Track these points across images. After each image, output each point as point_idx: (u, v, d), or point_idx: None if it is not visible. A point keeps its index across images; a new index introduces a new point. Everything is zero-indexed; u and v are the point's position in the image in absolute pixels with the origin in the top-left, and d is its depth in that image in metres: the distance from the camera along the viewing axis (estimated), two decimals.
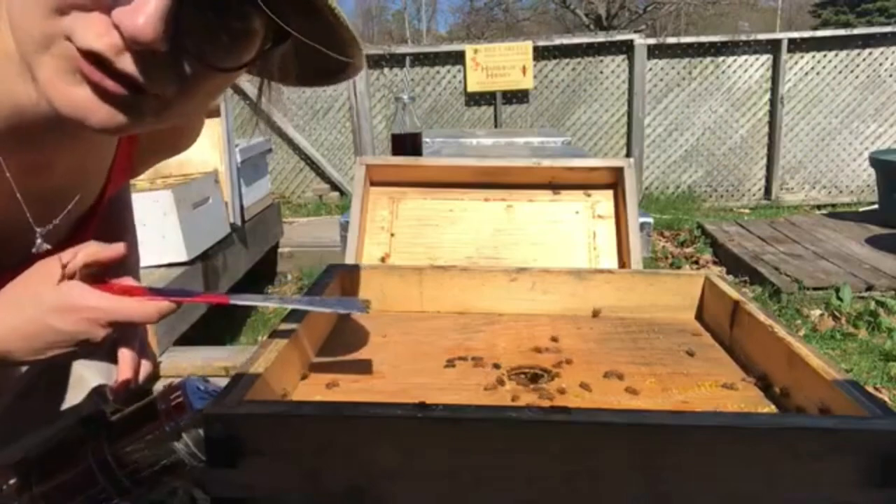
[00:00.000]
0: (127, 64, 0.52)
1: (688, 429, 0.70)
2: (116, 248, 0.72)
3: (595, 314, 1.23)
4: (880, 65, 5.69)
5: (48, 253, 0.72)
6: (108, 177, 0.81)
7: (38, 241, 0.73)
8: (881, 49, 5.66)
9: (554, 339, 1.11)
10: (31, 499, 0.77)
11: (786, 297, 3.22)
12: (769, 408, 0.90)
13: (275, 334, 0.95)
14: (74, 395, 0.88)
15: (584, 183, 1.54)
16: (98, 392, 0.82)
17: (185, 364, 2.10)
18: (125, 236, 0.95)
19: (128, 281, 0.74)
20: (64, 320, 0.66)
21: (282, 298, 0.83)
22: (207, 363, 2.11)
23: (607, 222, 1.51)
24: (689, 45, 5.83)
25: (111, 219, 0.90)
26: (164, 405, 0.79)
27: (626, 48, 5.80)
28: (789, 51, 5.67)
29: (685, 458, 0.69)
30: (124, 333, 0.76)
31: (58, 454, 0.79)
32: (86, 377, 0.87)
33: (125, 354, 0.79)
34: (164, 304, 0.69)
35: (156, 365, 0.87)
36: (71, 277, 0.68)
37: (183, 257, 2.35)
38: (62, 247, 0.74)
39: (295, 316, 1.02)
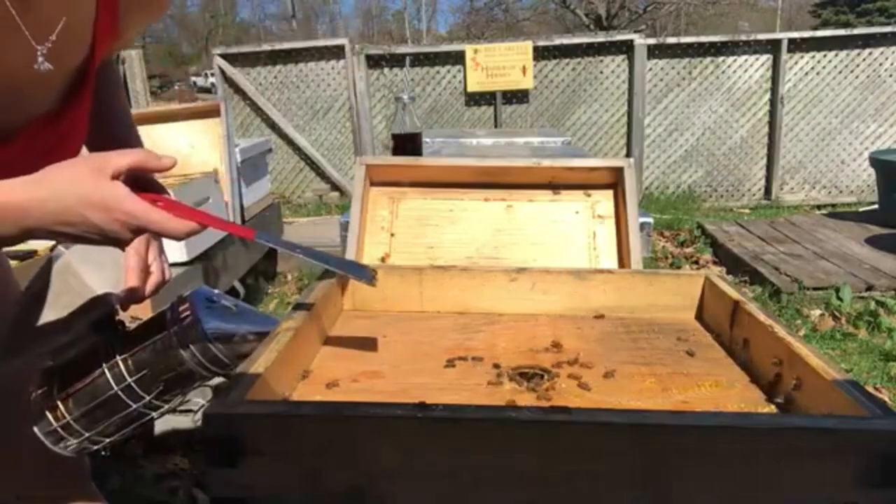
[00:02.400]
0: None
1: (688, 429, 0.70)
2: (165, 161, 0.73)
3: (598, 317, 1.23)
4: (880, 65, 5.69)
5: (47, 77, 0.72)
6: (95, 34, 0.81)
7: (40, 59, 0.73)
8: (881, 49, 5.66)
9: (554, 339, 1.11)
10: (55, 406, 0.80)
11: (786, 297, 3.22)
12: (769, 408, 0.90)
13: (275, 334, 0.95)
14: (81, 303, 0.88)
15: (584, 183, 1.54)
16: (104, 300, 0.83)
17: None
18: (130, 133, 1.00)
19: (162, 194, 0.76)
20: (100, 216, 0.67)
21: (302, 249, 0.83)
22: None
23: (607, 222, 1.51)
24: (689, 45, 5.83)
25: (109, 101, 0.93)
26: (172, 315, 0.82)
27: (626, 48, 5.80)
28: (789, 51, 5.67)
29: (685, 457, 0.69)
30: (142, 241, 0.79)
31: (74, 364, 0.82)
32: (92, 285, 0.88)
33: (133, 263, 0.82)
34: (193, 225, 0.71)
35: (166, 279, 0.88)
36: (116, 178, 0.69)
37: (183, 257, 2.35)
38: (62, 113, 0.75)
39: (295, 316, 1.02)
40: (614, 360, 1.03)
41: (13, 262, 0.95)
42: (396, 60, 6.00)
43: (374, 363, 1.03)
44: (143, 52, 5.92)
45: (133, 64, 5.47)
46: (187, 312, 0.82)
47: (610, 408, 0.87)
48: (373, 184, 1.55)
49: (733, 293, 1.12)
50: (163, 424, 2.02)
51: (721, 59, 5.80)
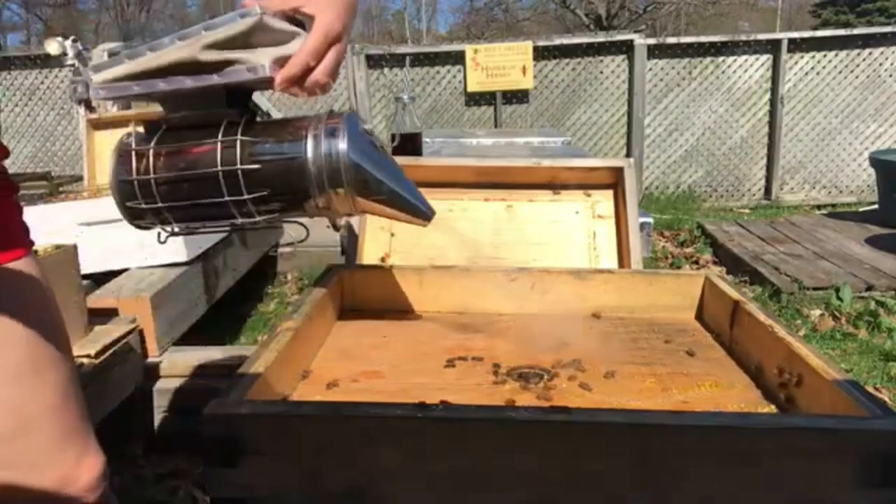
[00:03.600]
0: None
1: (688, 429, 0.70)
2: None
3: (596, 316, 1.23)
4: (880, 65, 5.69)
5: None
6: None
7: None
8: (881, 49, 5.66)
9: (554, 339, 1.11)
10: (143, 155, 0.71)
11: (786, 297, 3.21)
12: (769, 408, 0.90)
13: (275, 334, 0.95)
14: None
15: (584, 183, 1.54)
16: (251, 67, 0.69)
17: (185, 364, 2.10)
18: None
19: None
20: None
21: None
22: (207, 363, 2.11)
23: (607, 222, 1.51)
24: (689, 45, 5.82)
25: None
26: (315, 120, 0.71)
27: (626, 48, 5.80)
28: (789, 51, 5.66)
29: (685, 457, 0.69)
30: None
31: (188, 124, 0.72)
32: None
33: (312, 45, 0.70)
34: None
35: (324, 86, 0.73)
36: None
37: (183, 257, 2.35)
38: None
39: (295, 316, 1.02)
40: (614, 360, 1.03)
41: None
42: (396, 60, 5.99)
43: (374, 363, 1.03)
44: None
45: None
46: (336, 120, 0.71)
47: (610, 408, 0.87)
48: None
49: (733, 293, 1.12)
50: (163, 424, 2.03)
51: (721, 59, 5.80)
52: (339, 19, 0.71)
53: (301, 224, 0.78)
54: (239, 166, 0.69)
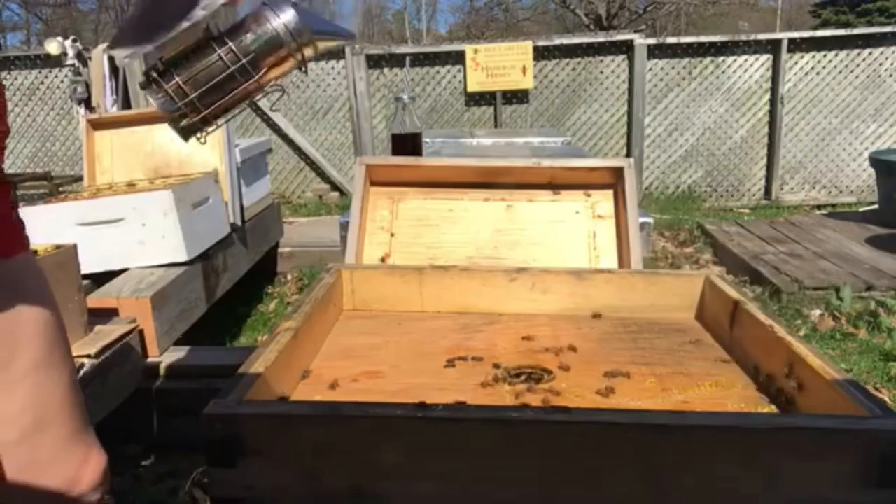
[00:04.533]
0: None
1: (688, 429, 0.70)
2: None
3: (596, 316, 1.23)
4: (880, 65, 5.69)
5: None
6: None
7: None
8: (881, 49, 5.66)
9: (554, 339, 1.11)
10: (178, 86, 0.93)
11: (786, 297, 3.21)
12: (769, 408, 0.90)
13: (275, 334, 0.95)
14: None
15: (584, 183, 1.54)
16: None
17: (185, 364, 2.10)
18: None
19: None
20: None
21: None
22: (207, 363, 2.12)
23: (607, 222, 1.51)
24: (689, 45, 5.82)
25: None
26: (264, 8, 0.95)
27: (626, 48, 5.80)
28: (789, 51, 5.66)
29: (685, 458, 0.69)
30: None
31: (191, 52, 0.94)
32: None
33: None
34: None
35: None
36: None
37: (183, 257, 2.35)
38: None
39: (295, 316, 1.02)
40: (614, 360, 1.03)
41: None
42: (396, 60, 5.99)
43: (374, 363, 1.03)
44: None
45: (133, 64, 5.47)
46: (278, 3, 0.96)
47: (610, 408, 0.87)
48: (373, 184, 1.56)
49: (733, 293, 1.12)
50: (162, 424, 2.03)
51: (721, 59, 5.80)
52: None
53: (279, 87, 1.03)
54: (244, 60, 0.95)
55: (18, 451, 0.78)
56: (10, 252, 0.79)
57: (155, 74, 0.96)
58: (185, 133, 1.01)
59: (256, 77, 0.97)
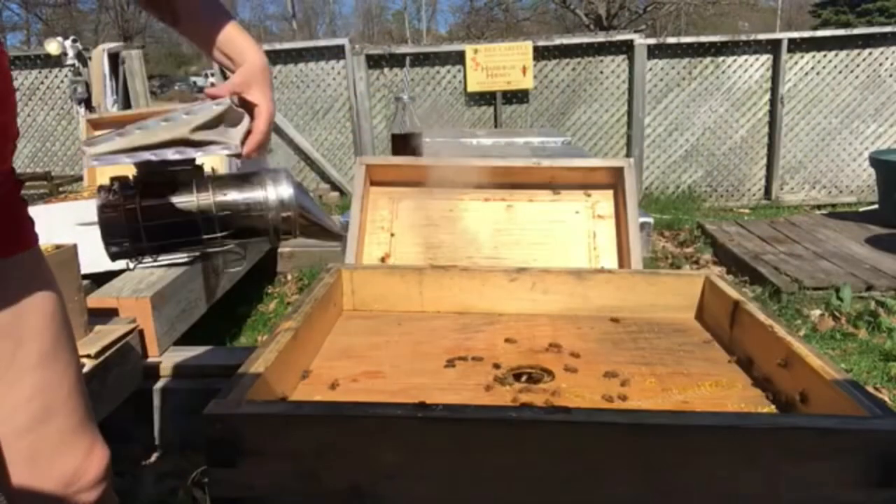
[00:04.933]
0: None
1: (688, 429, 0.70)
2: None
3: (596, 316, 1.23)
4: (880, 65, 5.69)
5: None
6: None
7: None
8: (881, 49, 5.66)
9: (554, 339, 1.11)
10: (132, 211, 0.89)
11: (786, 297, 3.21)
12: (769, 408, 0.90)
13: (275, 334, 0.95)
14: None
15: (584, 183, 1.54)
16: (226, 146, 0.91)
17: (185, 364, 2.10)
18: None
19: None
20: None
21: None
22: (207, 363, 2.11)
23: (607, 222, 1.51)
24: (689, 45, 5.82)
25: None
26: (265, 174, 0.95)
27: (626, 48, 5.80)
28: (789, 51, 5.66)
29: (685, 458, 0.69)
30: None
31: (167, 181, 0.91)
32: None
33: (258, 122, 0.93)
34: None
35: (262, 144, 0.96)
36: None
37: (183, 257, 2.35)
38: None
39: (295, 316, 1.02)
40: (614, 360, 1.03)
41: None
42: (396, 60, 5.99)
43: (374, 363, 1.03)
44: (143, 53, 5.91)
45: (133, 64, 5.47)
46: (281, 176, 0.94)
47: (610, 408, 0.87)
48: (373, 184, 1.56)
49: (733, 293, 1.12)
50: (162, 424, 2.03)
51: (721, 59, 5.79)
52: (272, 103, 0.95)
53: (239, 252, 0.99)
54: (214, 214, 0.91)
55: (26, 440, 0.79)
56: (20, 247, 0.81)
57: (118, 183, 0.91)
58: (115, 255, 0.94)
59: (220, 235, 0.92)
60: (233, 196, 0.93)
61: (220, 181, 0.95)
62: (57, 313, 0.83)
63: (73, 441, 0.84)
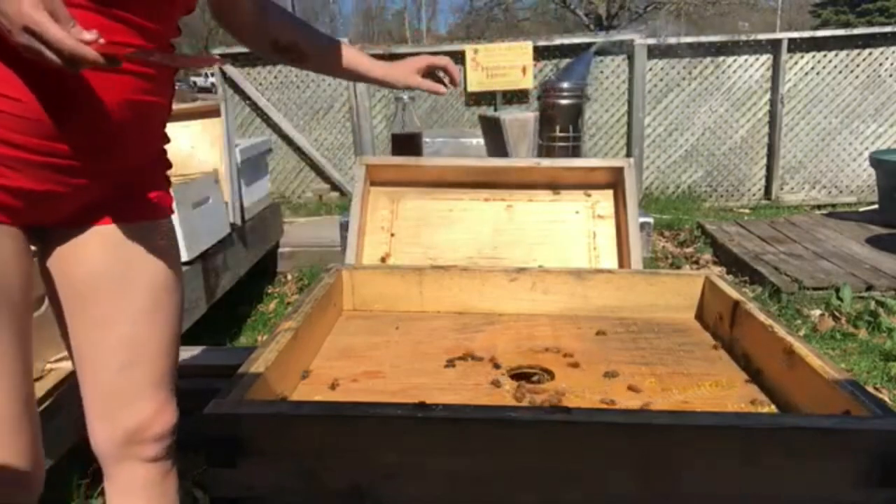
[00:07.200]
0: None
1: (688, 429, 0.70)
2: None
3: (596, 316, 1.23)
4: (880, 65, 5.69)
5: None
6: None
7: None
8: (881, 49, 5.65)
9: (554, 339, 1.11)
10: None
11: (786, 297, 3.21)
12: (769, 408, 0.90)
13: (275, 334, 0.95)
14: None
15: (584, 183, 1.54)
16: None
17: (184, 364, 2.09)
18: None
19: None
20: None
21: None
22: (207, 363, 2.11)
23: (607, 222, 1.51)
24: (689, 45, 5.82)
25: None
26: None
27: (627, 48, 5.80)
28: (789, 51, 5.66)
29: (685, 458, 0.69)
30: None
31: None
32: None
33: None
34: (87, 51, 0.65)
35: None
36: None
37: (183, 257, 2.34)
38: None
39: (295, 316, 1.02)
40: (614, 360, 1.03)
41: None
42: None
43: (374, 363, 1.03)
44: None
45: None
46: None
47: (610, 408, 0.87)
48: (373, 184, 1.56)
49: (733, 293, 1.12)
50: None
51: (721, 59, 5.79)
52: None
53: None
54: None
55: (109, 379, 0.88)
56: (161, 214, 0.93)
57: None
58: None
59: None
60: None
61: None
62: (165, 283, 0.91)
63: (148, 394, 0.91)
